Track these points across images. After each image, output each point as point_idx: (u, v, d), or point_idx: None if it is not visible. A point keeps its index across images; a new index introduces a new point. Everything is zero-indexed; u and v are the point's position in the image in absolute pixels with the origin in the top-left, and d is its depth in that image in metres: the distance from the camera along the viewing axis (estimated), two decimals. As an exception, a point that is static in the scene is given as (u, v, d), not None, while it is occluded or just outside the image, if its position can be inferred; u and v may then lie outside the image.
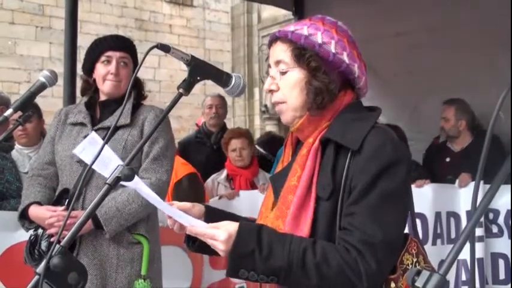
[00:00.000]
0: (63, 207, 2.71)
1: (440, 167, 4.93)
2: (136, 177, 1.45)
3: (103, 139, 2.46)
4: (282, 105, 1.68)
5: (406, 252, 1.58)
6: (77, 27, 4.66)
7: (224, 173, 4.80)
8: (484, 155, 1.15)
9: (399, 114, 5.47)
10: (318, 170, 1.58)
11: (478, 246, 4.08)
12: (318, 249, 1.48)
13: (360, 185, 1.51)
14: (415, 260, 1.59)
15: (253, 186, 4.75)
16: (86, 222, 1.39)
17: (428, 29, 5.45)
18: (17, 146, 3.88)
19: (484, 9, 5.01)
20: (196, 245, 1.70)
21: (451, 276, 4.05)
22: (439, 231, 4.32)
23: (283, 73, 1.67)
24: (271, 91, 1.70)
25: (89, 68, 2.93)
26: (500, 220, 4.21)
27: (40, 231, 2.79)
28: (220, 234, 1.48)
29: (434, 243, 4.27)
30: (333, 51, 1.62)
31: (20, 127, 3.66)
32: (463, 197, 4.31)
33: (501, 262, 4.20)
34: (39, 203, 2.78)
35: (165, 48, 1.54)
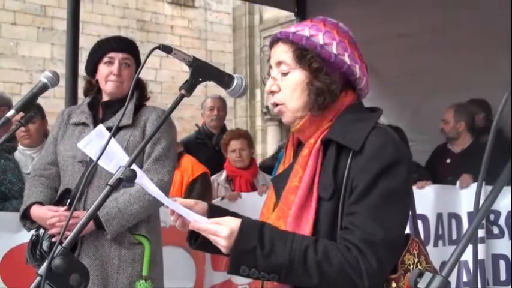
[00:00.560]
0: (64, 208, 2.71)
1: (441, 168, 4.94)
2: (140, 171, 1.45)
3: None
4: (282, 107, 1.68)
5: (408, 252, 1.59)
6: (79, 28, 4.67)
7: (224, 174, 4.80)
8: (486, 156, 1.15)
9: (401, 115, 5.48)
10: (319, 171, 1.59)
11: (479, 247, 4.08)
12: (319, 248, 1.48)
13: (361, 185, 1.52)
14: (416, 260, 1.59)
15: (253, 187, 4.76)
16: (88, 223, 1.39)
17: (430, 30, 5.46)
18: (20, 147, 3.88)
19: (485, 9, 5.02)
20: (198, 243, 1.71)
21: (452, 278, 4.05)
22: (440, 232, 4.32)
23: (284, 74, 1.67)
24: (272, 92, 1.70)
25: (92, 69, 2.94)
26: (501, 221, 4.20)
27: (41, 231, 2.79)
28: (222, 230, 1.49)
29: (436, 245, 4.26)
30: (335, 52, 1.63)
31: (22, 128, 3.68)
32: (464, 198, 4.31)
33: (502, 263, 4.19)
34: (41, 203, 2.78)
35: (167, 49, 1.54)
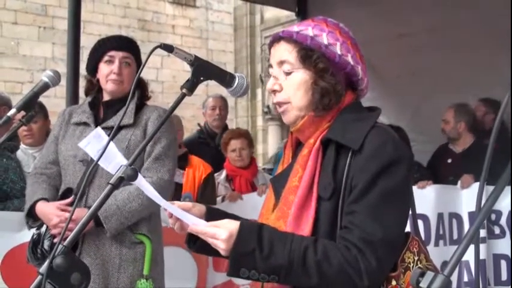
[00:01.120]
0: (71, 207, 2.70)
1: (442, 168, 4.95)
2: (139, 175, 1.45)
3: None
4: (287, 106, 1.67)
5: (408, 250, 1.59)
6: (80, 27, 4.67)
7: (224, 173, 4.80)
8: (488, 156, 1.15)
9: (401, 115, 5.48)
10: (319, 170, 1.59)
11: (480, 247, 4.08)
12: (318, 248, 1.48)
13: (360, 184, 1.52)
14: (416, 258, 1.59)
15: (253, 186, 4.76)
16: (89, 223, 1.39)
17: (431, 30, 5.45)
18: (22, 146, 3.87)
19: (485, 9, 5.01)
20: (197, 245, 1.71)
21: (453, 278, 4.04)
22: (441, 232, 4.32)
23: (287, 73, 1.66)
24: (274, 91, 1.69)
25: (93, 68, 2.94)
26: (503, 221, 4.20)
27: (43, 230, 2.79)
28: (221, 233, 1.48)
29: (436, 245, 4.26)
30: (339, 52, 1.63)
31: (25, 127, 3.68)
32: (465, 198, 4.31)
33: (503, 263, 4.19)
34: (47, 200, 2.79)
35: (168, 48, 1.54)
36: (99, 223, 2.68)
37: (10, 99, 4.91)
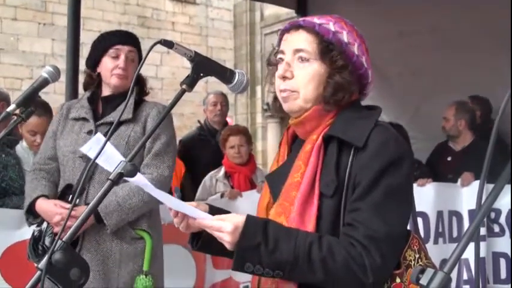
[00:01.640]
0: (70, 205, 2.69)
1: (441, 166, 4.94)
2: (139, 174, 1.45)
3: (105, 134, 2.45)
4: (293, 94, 1.65)
5: (409, 248, 1.59)
6: (80, 24, 4.66)
7: (222, 170, 4.80)
8: (489, 154, 1.15)
9: (401, 114, 5.47)
10: (320, 168, 1.58)
11: (480, 245, 4.08)
12: (323, 244, 1.48)
13: (364, 182, 1.52)
14: (417, 256, 1.60)
15: (251, 183, 4.76)
16: (88, 218, 1.38)
17: (432, 30, 5.45)
18: (24, 144, 3.84)
19: (487, 9, 5.01)
20: (199, 244, 1.70)
21: (452, 276, 4.05)
22: (440, 230, 4.32)
23: (302, 62, 1.64)
24: (284, 77, 1.66)
25: (94, 62, 2.93)
26: (502, 219, 4.21)
27: (44, 226, 2.78)
28: (226, 226, 1.48)
29: (436, 242, 4.27)
30: (356, 53, 1.63)
31: (37, 138, 3.66)
32: (465, 196, 4.31)
33: (502, 261, 4.20)
34: (47, 197, 2.78)
35: (168, 44, 1.54)
36: (100, 220, 2.68)
37: (8, 94, 4.90)
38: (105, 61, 2.87)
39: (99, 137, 1.88)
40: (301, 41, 1.65)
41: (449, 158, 4.95)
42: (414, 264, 1.58)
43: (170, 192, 3.78)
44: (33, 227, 2.83)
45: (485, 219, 4.12)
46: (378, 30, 5.41)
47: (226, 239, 1.48)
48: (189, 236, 1.72)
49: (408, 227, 1.65)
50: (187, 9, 15.42)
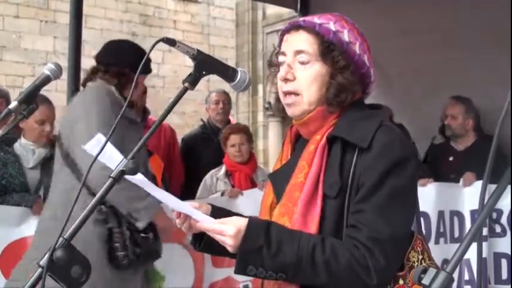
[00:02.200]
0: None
1: (443, 166, 4.92)
2: (144, 179, 1.45)
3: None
4: (296, 97, 1.64)
5: (412, 249, 1.59)
6: (82, 21, 4.65)
7: (223, 168, 4.80)
8: (492, 154, 1.14)
9: (402, 113, 5.46)
10: (324, 168, 1.58)
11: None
12: (327, 246, 1.47)
13: (368, 183, 1.51)
14: (420, 257, 1.59)
15: (252, 182, 4.75)
16: (90, 216, 1.38)
17: (433, 28, 5.44)
18: (22, 141, 3.82)
19: (489, 9, 5.00)
20: (202, 245, 1.70)
21: (454, 276, 4.05)
22: (442, 230, 4.31)
23: (303, 63, 1.63)
24: (286, 80, 1.65)
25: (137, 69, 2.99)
26: (503, 220, 4.20)
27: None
28: (229, 230, 1.48)
29: (437, 242, 4.26)
30: (358, 52, 1.62)
31: (42, 126, 3.67)
32: (467, 196, 4.30)
33: (504, 262, 4.19)
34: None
35: (171, 42, 1.53)
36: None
37: (8, 92, 4.89)
38: (141, 81, 3.02)
39: (100, 137, 1.88)
40: (302, 41, 1.63)
41: (451, 158, 4.92)
42: (417, 266, 1.57)
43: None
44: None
45: (487, 220, 4.12)
46: (379, 28, 5.41)
47: (229, 242, 1.47)
48: (191, 236, 1.71)
49: (412, 228, 1.65)
50: (189, 8, 15.41)
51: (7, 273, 3.51)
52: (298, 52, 1.63)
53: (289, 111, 1.68)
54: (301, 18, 1.68)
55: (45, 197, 3.72)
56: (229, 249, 1.49)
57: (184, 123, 12.61)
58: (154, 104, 4.55)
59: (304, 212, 1.56)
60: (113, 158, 1.46)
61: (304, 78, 1.63)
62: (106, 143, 1.45)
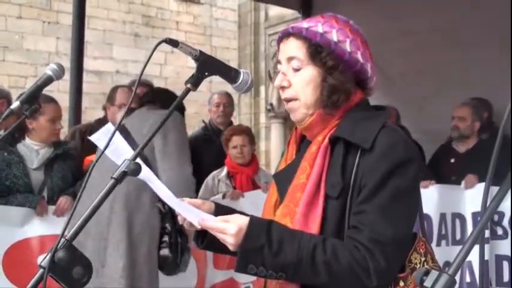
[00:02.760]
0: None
1: (444, 168, 4.91)
2: (147, 170, 1.45)
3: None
4: (295, 103, 1.65)
5: (415, 251, 1.58)
6: (84, 22, 4.67)
7: (224, 170, 4.79)
8: (494, 156, 1.14)
9: (404, 114, 5.46)
10: (326, 168, 1.58)
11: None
12: (328, 247, 1.47)
13: (370, 184, 1.51)
14: (423, 259, 1.59)
15: (254, 184, 4.74)
16: (92, 217, 1.38)
17: (435, 29, 5.45)
18: (27, 141, 3.80)
19: (492, 9, 5.00)
20: (205, 243, 1.70)
21: (455, 278, 4.05)
22: (443, 232, 4.31)
23: (296, 70, 1.64)
24: (282, 87, 1.67)
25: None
26: (505, 222, 4.20)
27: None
28: (230, 228, 1.48)
29: (438, 244, 4.26)
30: (348, 50, 1.61)
31: (53, 124, 3.67)
32: (468, 198, 4.30)
33: (505, 264, 4.18)
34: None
35: (173, 43, 1.53)
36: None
37: (10, 92, 4.90)
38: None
39: (109, 127, 1.89)
40: (292, 48, 1.65)
41: (452, 160, 4.92)
42: (419, 267, 1.57)
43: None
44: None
45: (488, 222, 4.11)
46: (382, 29, 5.42)
47: (230, 241, 1.47)
48: (194, 234, 1.72)
49: (415, 229, 1.64)
50: (192, 9, 15.42)
51: (10, 273, 3.51)
52: (290, 59, 1.65)
53: (292, 117, 1.69)
54: (291, 25, 1.70)
55: (48, 198, 3.73)
56: (230, 247, 1.49)
57: (186, 124, 12.61)
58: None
59: (306, 212, 1.56)
60: (122, 151, 1.46)
61: (298, 84, 1.64)
62: (114, 133, 1.46)
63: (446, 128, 4.99)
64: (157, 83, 13.01)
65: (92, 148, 3.34)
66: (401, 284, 1.53)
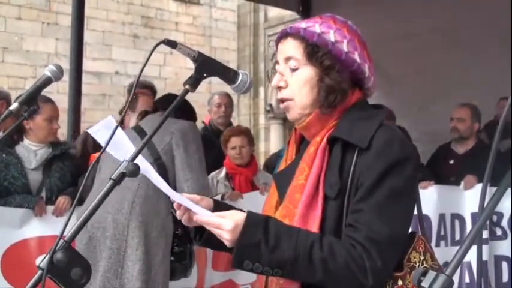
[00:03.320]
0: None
1: (443, 169, 4.92)
2: (146, 164, 1.45)
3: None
4: (290, 102, 1.66)
5: (414, 250, 1.58)
6: (84, 23, 4.67)
7: (223, 171, 4.79)
8: (492, 157, 1.14)
9: (405, 115, 5.47)
10: (325, 169, 1.58)
11: (483, 248, 4.07)
12: (324, 244, 1.48)
13: (366, 182, 1.51)
14: (422, 258, 1.59)
15: (253, 185, 4.74)
16: (90, 218, 1.38)
17: (436, 30, 5.46)
18: (25, 142, 3.80)
19: (492, 10, 5.01)
20: (203, 239, 1.70)
21: (454, 279, 4.05)
22: (442, 233, 4.31)
23: (293, 70, 1.65)
24: (279, 88, 1.68)
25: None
26: (504, 223, 4.20)
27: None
28: (226, 224, 1.48)
29: (438, 245, 4.26)
30: (345, 50, 1.62)
31: (50, 124, 3.68)
32: (468, 199, 4.30)
33: (504, 265, 4.19)
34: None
35: (172, 44, 1.53)
36: None
37: (9, 94, 4.89)
38: None
39: (111, 121, 1.90)
40: (290, 48, 1.66)
41: (451, 161, 4.93)
42: (419, 266, 1.57)
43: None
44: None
45: (487, 222, 4.11)
46: (382, 30, 5.43)
47: (226, 236, 1.47)
48: (192, 230, 1.72)
49: (415, 229, 1.64)
50: (191, 10, 15.42)
51: (8, 275, 3.51)
52: (288, 59, 1.66)
53: (288, 116, 1.70)
54: (289, 26, 1.71)
55: (47, 198, 3.73)
56: (227, 243, 1.49)
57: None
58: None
59: (305, 213, 1.56)
60: (123, 147, 1.47)
61: (295, 84, 1.65)
62: (115, 129, 1.46)
63: (447, 129, 5.00)
64: (157, 84, 12.98)
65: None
66: (400, 283, 1.53)
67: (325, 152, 1.60)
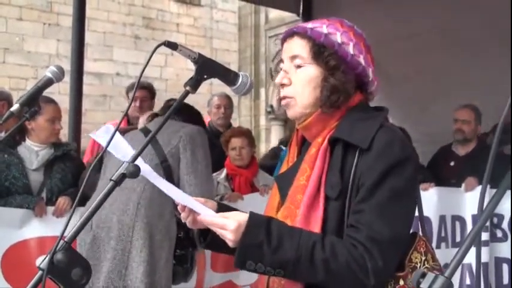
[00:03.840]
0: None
1: (444, 170, 4.92)
2: (148, 168, 1.45)
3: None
4: (290, 100, 1.67)
5: (415, 250, 1.59)
6: (85, 24, 4.68)
7: (224, 172, 4.78)
8: (491, 159, 1.14)
9: (406, 116, 5.47)
10: (326, 170, 1.58)
11: (483, 250, 4.07)
12: (326, 245, 1.48)
13: (367, 183, 1.52)
14: (423, 258, 1.59)
15: (253, 186, 4.73)
16: (91, 219, 1.38)
17: (437, 31, 5.46)
18: (27, 142, 3.80)
19: (493, 10, 5.01)
20: (207, 242, 1.71)
21: (455, 280, 4.04)
22: (443, 234, 4.31)
23: (298, 67, 1.66)
24: (282, 85, 1.68)
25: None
26: (505, 225, 4.20)
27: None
28: (229, 224, 1.48)
29: (438, 247, 4.26)
30: (351, 52, 1.63)
31: (53, 124, 3.68)
32: (468, 201, 4.30)
33: (505, 267, 4.18)
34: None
35: (172, 45, 1.53)
36: None
37: (10, 94, 4.89)
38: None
39: (109, 127, 1.91)
40: (296, 47, 1.67)
41: (452, 163, 4.92)
42: (420, 267, 1.57)
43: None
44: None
45: (488, 224, 4.11)
46: (383, 31, 5.43)
47: (229, 237, 1.48)
48: (196, 232, 1.72)
49: (416, 230, 1.65)
50: (192, 11, 15.44)
51: (9, 275, 3.51)
52: (293, 57, 1.67)
53: (288, 114, 1.71)
54: (296, 25, 1.72)
55: (47, 199, 3.73)
56: (229, 243, 1.49)
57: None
58: (157, 107, 4.56)
59: (307, 214, 1.57)
60: (123, 150, 1.47)
61: (298, 82, 1.66)
62: (114, 133, 1.46)
63: (447, 130, 5.00)
64: (158, 85, 13.05)
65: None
66: (402, 283, 1.54)
67: (326, 153, 1.60)
